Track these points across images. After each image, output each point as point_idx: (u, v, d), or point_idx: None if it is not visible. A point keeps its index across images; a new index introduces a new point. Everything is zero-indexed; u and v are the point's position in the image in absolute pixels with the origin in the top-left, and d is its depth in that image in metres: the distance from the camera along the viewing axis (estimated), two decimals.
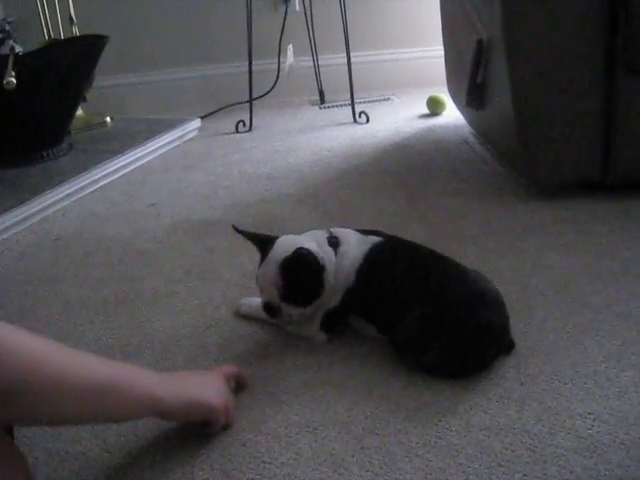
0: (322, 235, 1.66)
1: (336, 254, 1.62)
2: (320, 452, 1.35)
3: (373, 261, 1.62)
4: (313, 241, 1.62)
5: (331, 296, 1.62)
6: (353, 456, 1.34)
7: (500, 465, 1.28)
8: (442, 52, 3.23)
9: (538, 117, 2.24)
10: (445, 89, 3.29)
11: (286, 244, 1.60)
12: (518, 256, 2.03)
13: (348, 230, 1.70)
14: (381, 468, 1.30)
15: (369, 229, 1.72)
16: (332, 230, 1.69)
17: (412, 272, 1.60)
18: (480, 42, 2.48)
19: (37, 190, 2.79)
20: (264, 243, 1.65)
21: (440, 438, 1.36)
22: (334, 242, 1.64)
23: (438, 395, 1.48)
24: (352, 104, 3.53)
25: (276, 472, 1.31)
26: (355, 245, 1.64)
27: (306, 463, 1.33)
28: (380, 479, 1.27)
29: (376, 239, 1.66)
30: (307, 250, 1.54)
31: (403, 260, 1.64)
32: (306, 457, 1.34)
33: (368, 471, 1.30)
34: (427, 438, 1.36)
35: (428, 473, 1.27)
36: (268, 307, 1.62)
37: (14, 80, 2.84)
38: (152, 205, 2.72)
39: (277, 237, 1.65)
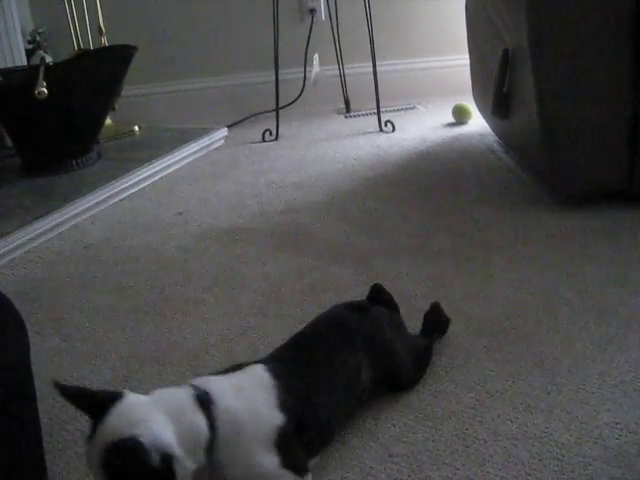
0: (187, 395, 1.21)
1: (212, 416, 1.19)
2: (348, 460, 1.37)
3: (288, 382, 1.31)
4: (164, 413, 1.16)
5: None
6: (381, 464, 1.35)
7: (528, 474, 1.28)
8: (468, 61, 3.24)
9: (564, 126, 2.24)
10: (471, 98, 3.29)
11: (118, 422, 1.13)
12: (544, 265, 2.03)
13: (211, 378, 1.31)
14: (409, 476, 1.31)
15: (220, 369, 1.38)
16: (194, 383, 1.26)
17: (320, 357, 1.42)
18: (506, 51, 2.48)
19: (67, 198, 2.83)
20: (94, 408, 1.16)
21: (467, 447, 1.37)
22: (204, 401, 1.21)
23: (465, 404, 1.49)
24: (378, 113, 3.54)
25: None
26: (235, 392, 1.26)
27: (334, 471, 1.34)
28: None
29: (257, 367, 1.34)
30: (139, 447, 1.09)
31: (305, 358, 1.41)
32: (334, 465, 1.35)
33: (396, 479, 1.31)
34: (454, 447, 1.37)
35: None
36: None
37: (45, 90, 2.89)
38: (180, 214, 2.74)
39: (116, 395, 1.17)
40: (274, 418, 1.24)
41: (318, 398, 1.34)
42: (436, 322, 1.72)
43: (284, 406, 1.26)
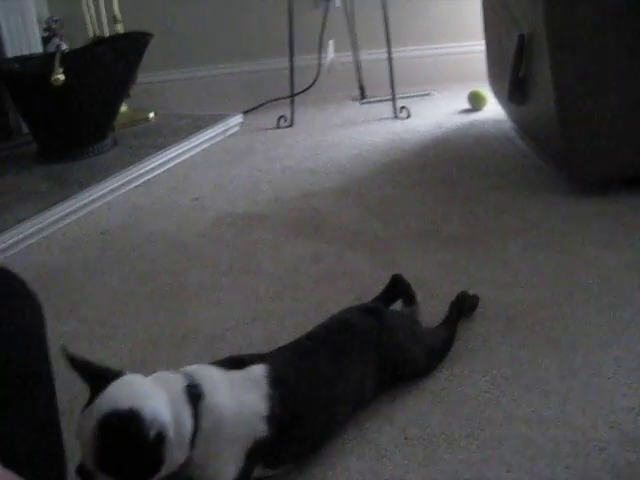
0: (178, 384, 1.20)
1: (198, 412, 1.18)
2: (363, 442, 1.38)
3: (284, 393, 1.28)
4: (161, 394, 1.16)
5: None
6: (396, 446, 1.36)
7: (543, 457, 1.29)
8: (483, 47, 3.23)
9: (581, 112, 2.23)
10: (486, 84, 3.28)
11: (119, 393, 1.14)
12: (560, 251, 2.03)
13: (208, 369, 1.29)
14: (424, 459, 1.32)
15: (225, 359, 1.37)
16: (189, 371, 1.25)
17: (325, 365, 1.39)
18: (522, 37, 2.47)
19: (83, 185, 2.85)
20: (96, 380, 1.17)
21: (482, 430, 1.37)
22: (194, 394, 1.20)
23: (480, 388, 1.49)
24: (393, 99, 3.53)
25: (321, 462, 1.34)
26: (228, 391, 1.24)
27: (350, 453, 1.35)
28: (423, 469, 1.30)
29: (258, 369, 1.30)
30: (133, 417, 1.09)
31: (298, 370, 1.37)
32: (350, 447, 1.37)
33: (412, 461, 1.32)
34: (469, 430, 1.38)
35: (471, 464, 1.29)
36: (81, 470, 1.14)
37: (61, 77, 2.90)
38: (196, 199, 2.75)
39: (119, 373, 1.19)
40: (257, 429, 1.23)
41: (312, 413, 1.33)
42: (461, 310, 1.72)
43: (271, 419, 1.24)
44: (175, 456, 1.14)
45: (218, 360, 1.34)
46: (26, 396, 1.17)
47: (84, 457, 1.12)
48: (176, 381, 1.21)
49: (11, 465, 0.97)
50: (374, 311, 1.54)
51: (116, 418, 1.09)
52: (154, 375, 1.23)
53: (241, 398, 1.23)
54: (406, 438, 1.38)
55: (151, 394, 1.15)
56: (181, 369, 1.26)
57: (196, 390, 1.20)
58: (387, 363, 1.46)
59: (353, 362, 1.41)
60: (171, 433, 1.12)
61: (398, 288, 1.75)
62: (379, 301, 1.74)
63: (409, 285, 1.75)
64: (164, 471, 1.14)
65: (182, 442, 1.15)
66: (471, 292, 1.77)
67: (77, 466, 1.14)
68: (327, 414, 1.35)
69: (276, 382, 1.28)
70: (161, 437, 1.11)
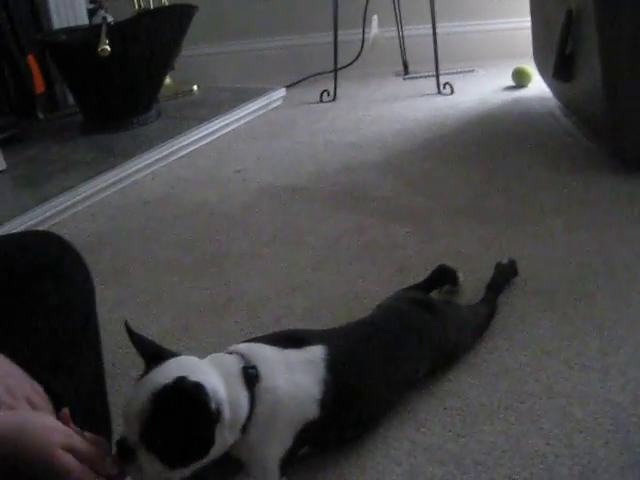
0: (235, 365, 1.18)
1: (254, 394, 1.16)
2: (403, 411, 1.39)
3: (337, 381, 1.26)
4: (219, 375, 1.14)
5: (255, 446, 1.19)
6: (435, 416, 1.37)
7: (581, 432, 1.29)
8: (529, 23, 3.19)
9: (629, 89, 2.20)
10: (531, 61, 3.24)
11: (177, 368, 1.11)
12: (602, 229, 2.01)
13: (265, 351, 1.25)
14: (463, 429, 1.33)
15: (282, 333, 1.37)
16: (245, 352, 1.22)
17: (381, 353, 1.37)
18: (569, 12, 2.44)
19: (127, 155, 2.89)
20: (153, 356, 1.14)
21: (522, 402, 1.38)
22: (251, 376, 1.17)
23: (520, 362, 1.50)
24: (437, 75, 3.51)
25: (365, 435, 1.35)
26: (286, 374, 1.22)
27: (389, 421, 1.37)
28: (462, 439, 1.31)
29: (317, 351, 1.28)
30: (198, 386, 1.06)
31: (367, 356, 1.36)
32: (390, 416, 1.38)
33: (450, 431, 1.33)
34: (509, 402, 1.38)
35: (509, 436, 1.30)
36: (121, 444, 1.07)
37: (108, 48, 2.93)
38: (238, 171, 2.77)
39: (175, 354, 1.16)
40: (308, 412, 1.22)
41: (364, 400, 1.32)
42: (500, 283, 1.73)
43: (324, 402, 1.23)
44: (225, 439, 1.12)
45: (274, 333, 1.34)
46: (78, 354, 1.21)
47: (128, 431, 1.06)
48: (232, 363, 1.18)
49: None
50: (427, 304, 1.53)
51: (178, 388, 1.05)
52: (209, 357, 1.20)
53: (297, 380, 1.22)
54: (445, 409, 1.39)
55: (208, 372, 1.12)
56: (234, 347, 1.25)
57: (253, 372, 1.18)
58: (438, 355, 1.46)
59: (408, 353, 1.40)
60: (227, 414, 1.10)
61: (443, 276, 1.76)
62: (422, 286, 1.73)
63: (454, 272, 1.75)
64: (211, 455, 1.11)
65: (235, 425, 1.13)
66: (504, 260, 1.78)
67: (117, 440, 1.08)
68: (378, 402, 1.35)
69: (333, 366, 1.26)
70: (219, 414, 1.08)
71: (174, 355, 1.15)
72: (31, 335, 1.17)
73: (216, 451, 1.11)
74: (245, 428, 1.15)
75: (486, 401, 1.39)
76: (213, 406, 1.06)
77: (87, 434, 0.99)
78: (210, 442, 1.08)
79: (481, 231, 2.06)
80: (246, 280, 1.94)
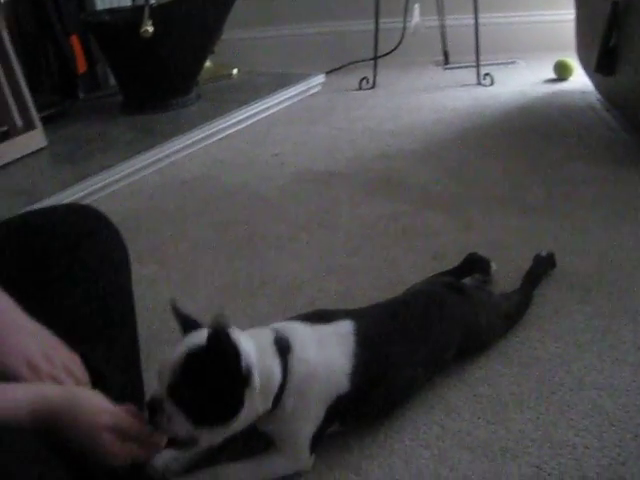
0: (267, 336, 1.21)
1: (287, 364, 1.19)
2: (433, 396, 1.40)
3: (366, 356, 1.27)
4: (253, 344, 1.16)
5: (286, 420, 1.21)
6: (465, 403, 1.38)
7: (612, 424, 1.29)
8: (573, 16, 3.16)
9: None
10: (573, 54, 3.21)
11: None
12: None
13: (296, 326, 1.28)
14: (492, 416, 1.34)
15: (312, 312, 1.37)
16: (278, 327, 1.25)
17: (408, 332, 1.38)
18: (615, 4, 2.41)
19: (166, 136, 2.92)
20: (191, 328, 1.18)
21: (553, 393, 1.38)
22: (283, 347, 1.20)
23: (552, 352, 1.49)
24: (477, 66, 3.49)
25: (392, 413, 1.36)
26: (316, 347, 1.24)
27: (420, 406, 1.38)
28: (491, 426, 1.31)
29: (345, 325, 1.29)
30: (233, 344, 1.09)
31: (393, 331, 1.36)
32: (420, 401, 1.39)
33: (479, 418, 1.34)
34: (539, 392, 1.38)
35: (538, 425, 1.30)
36: (151, 400, 1.11)
37: (150, 29, 2.95)
38: (276, 155, 2.79)
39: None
40: (339, 386, 1.23)
41: (393, 376, 1.32)
42: (538, 275, 1.73)
43: (354, 377, 1.24)
44: (256, 406, 1.14)
45: (304, 313, 1.35)
46: (114, 326, 1.23)
47: (159, 386, 1.10)
48: (265, 334, 1.21)
49: None
50: (460, 289, 1.53)
51: (210, 345, 1.07)
52: (245, 331, 1.21)
53: (328, 354, 1.23)
54: (475, 395, 1.39)
55: (241, 338, 1.14)
56: (266, 326, 1.26)
57: (285, 343, 1.20)
58: (469, 339, 1.46)
59: (438, 334, 1.40)
60: (257, 379, 1.12)
61: (475, 265, 1.76)
62: (453, 273, 1.73)
63: (487, 261, 1.76)
64: (241, 421, 1.13)
65: (267, 394, 1.15)
66: (543, 253, 1.78)
67: (148, 399, 1.13)
68: (408, 378, 1.36)
69: (362, 340, 1.27)
70: (249, 376, 1.10)
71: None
72: (68, 306, 1.19)
73: (245, 419, 1.13)
74: (278, 399, 1.17)
75: (516, 390, 1.40)
76: (243, 367, 1.09)
77: (131, 407, 1.02)
78: (238, 404, 1.11)
79: (517, 222, 2.06)
80: (281, 262, 1.96)
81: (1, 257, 1.21)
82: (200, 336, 1.10)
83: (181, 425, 1.08)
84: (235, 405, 1.11)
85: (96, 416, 0.95)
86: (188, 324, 1.18)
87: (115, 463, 0.97)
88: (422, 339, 1.37)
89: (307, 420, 1.21)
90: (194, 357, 1.08)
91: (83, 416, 0.95)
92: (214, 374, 1.08)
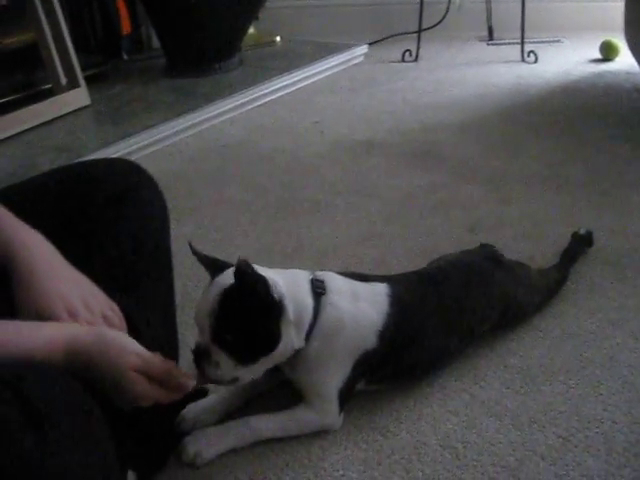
0: (304, 276, 1.25)
1: (319, 305, 1.21)
2: (463, 365, 1.41)
3: (399, 318, 1.28)
4: (283, 278, 1.19)
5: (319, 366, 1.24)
6: (495, 372, 1.39)
7: None
8: None
9: None
10: (620, 35, 3.17)
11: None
12: None
13: (335, 276, 1.30)
14: (521, 387, 1.35)
15: (351, 272, 1.37)
16: (317, 272, 1.28)
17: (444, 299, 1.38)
18: None
19: (208, 99, 2.94)
20: (218, 269, 1.20)
21: (583, 368, 1.38)
22: (319, 287, 1.23)
23: (585, 328, 1.50)
24: (522, 42, 3.45)
25: (419, 377, 1.38)
26: (350, 298, 1.25)
27: (449, 373, 1.39)
28: (519, 397, 1.32)
29: (381, 287, 1.31)
30: (260, 275, 1.12)
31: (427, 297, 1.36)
32: (450, 369, 1.40)
33: (508, 388, 1.34)
34: (570, 366, 1.39)
35: (567, 398, 1.31)
36: (196, 348, 1.17)
37: None
38: (316, 123, 2.79)
39: None
40: (369, 341, 1.25)
41: (425, 339, 1.33)
42: (576, 252, 1.72)
43: (384, 335, 1.25)
44: (291, 339, 1.17)
45: (342, 271, 1.35)
46: (152, 278, 1.25)
47: (200, 334, 1.16)
48: (302, 274, 1.25)
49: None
50: (500, 262, 1.52)
51: (240, 282, 1.10)
52: (281, 270, 1.25)
53: (360, 307, 1.25)
54: (505, 366, 1.40)
55: (269, 271, 1.18)
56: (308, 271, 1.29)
57: (320, 285, 1.23)
58: (506, 312, 1.46)
59: (474, 302, 1.40)
60: (290, 312, 1.16)
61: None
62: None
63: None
64: (279, 354, 1.17)
65: (300, 327, 1.18)
66: (582, 231, 1.77)
67: (193, 348, 1.17)
68: (440, 344, 1.36)
69: (396, 302, 1.29)
70: (281, 305, 1.14)
71: None
72: (109, 257, 1.21)
73: (282, 353, 1.17)
74: (308, 337, 1.20)
75: (547, 363, 1.40)
76: (276, 296, 1.13)
77: (159, 355, 1.03)
78: (276, 335, 1.15)
79: (556, 199, 2.05)
80: (317, 227, 1.97)
81: (46, 206, 1.23)
82: (227, 277, 1.14)
83: (228, 368, 1.14)
84: (274, 336, 1.15)
85: (124, 356, 0.97)
86: (212, 264, 1.22)
87: (141, 404, 0.98)
88: (460, 310, 1.38)
89: (332, 369, 1.24)
90: (227, 297, 1.12)
91: (111, 355, 0.96)
92: (249, 308, 1.12)
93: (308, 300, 1.20)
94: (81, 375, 0.91)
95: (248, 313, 1.12)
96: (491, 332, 1.47)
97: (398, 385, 1.36)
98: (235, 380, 1.17)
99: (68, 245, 1.13)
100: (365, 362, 1.25)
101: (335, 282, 1.26)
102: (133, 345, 1.00)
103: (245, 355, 1.15)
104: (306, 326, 1.19)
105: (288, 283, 1.18)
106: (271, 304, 1.13)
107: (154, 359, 1.00)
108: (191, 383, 1.04)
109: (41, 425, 0.76)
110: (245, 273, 1.09)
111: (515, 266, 1.55)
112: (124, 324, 1.10)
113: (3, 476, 0.71)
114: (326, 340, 1.22)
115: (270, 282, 1.13)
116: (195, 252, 1.22)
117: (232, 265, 1.19)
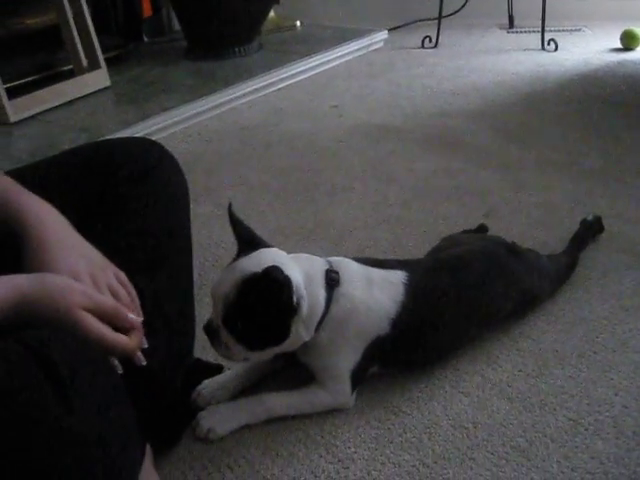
0: (320, 266, 1.26)
1: (332, 298, 1.23)
2: (476, 348, 1.42)
3: (414, 305, 1.28)
4: (303, 272, 1.21)
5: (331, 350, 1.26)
6: (508, 355, 1.40)
7: None
8: None
9: None
10: None
11: (267, 258, 1.18)
12: None
13: (351, 263, 1.31)
14: (533, 370, 1.36)
15: (369, 258, 1.38)
16: (332, 261, 1.29)
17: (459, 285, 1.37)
18: None
19: (227, 82, 2.96)
20: (247, 243, 1.24)
21: (595, 353, 1.39)
22: (333, 279, 1.24)
23: (597, 314, 1.51)
24: (542, 31, 3.44)
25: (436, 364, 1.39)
26: (364, 286, 1.27)
27: (462, 355, 1.40)
28: (531, 380, 1.34)
29: (398, 274, 1.31)
30: (286, 278, 1.13)
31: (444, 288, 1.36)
32: (463, 351, 1.41)
33: (520, 371, 1.36)
34: (582, 351, 1.40)
35: (579, 382, 1.32)
36: (207, 326, 1.22)
37: None
38: (335, 107, 2.80)
39: (268, 245, 1.26)
40: (381, 327, 1.26)
41: (439, 327, 1.34)
42: (584, 238, 1.73)
43: (397, 322, 1.26)
44: (300, 334, 1.19)
45: (359, 257, 1.37)
46: (172, 257, 1.26)
47: (213, 311, 1.19)
48: (319, 264, 1.26)
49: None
50: (515, 251, 1.51)
51: (266, 276, 1.11)
52: (298, 254, 1.28)
53: (374, 295, 1.26)
54: (518, 350, 1.42)
55: (295, 268, 1.19)
56: (324, 258, 1.30)
57: (335, 276, 1.24)
58: (522, 300, 1.47)
59: (493, 293, 1.41)
60: (304, 309, 1.17)
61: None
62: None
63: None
64: (287, 345, 1.20)
65: (310, 322, 1.20)
66: (590, 217, 1.77)
67: (205, 324, 1.21)
68: (453, 334, 1.37)
69: (412, 291, 1.29)
70: (298, 307, 1.16)
71: (267, 246, 1.24)
72: (129, 234, 1.22)
73: (291, 343, 1.20)
74: (317, 328, 1.22)
75: (559, 347, 1.41)
76: (295, 300, 1.15)
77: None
78: (286, 333, 1.18)
79: (572, 186, 2.05)
80: (334, 210, 1.99)
81: (67, 185, 1.24)
82: (254, 262, 1.16)
83: (237, 350, 1.19)
84: (283, 333, 1.18)
85: (69, 295, 0.93)
86: (245, 237, 1.25)
87: (104, 348, 0.93)
88: (479, 299, 1.39)
89: (343, 354, 1.26)
90: (247, 286, 1.14)
91: (55, 296, 0.92)
92: (266, 307, 1.14)
93: (321, 295, 1.22)
94: (33, 324, 0.89)
95: (264, 309, 1.14)
96: (504, 318, 1.48)
97: (412, 370, 1.37)
98: (245, 360, 1.23)
99: (90, 222, 1.15)
100: (377, 347, 1.27)
101: (350, 271, 1.28)
102: (75, 284, 0.96)
103: (253, 343, 1.19)
104: (317, 319, 1.21)
105: (304, 277, 1.20)
106: (289, 307, 1.16)
107: (99, 295, 0.98)
108: (139, 319, 1.00)
109: (66, 392, 0.77)
110: (275, 280, 1.11)
111: (528, 254, 1.56)
112: (133, 292, 1.09)
113: (34, 444, 0.73)
114: (337, 328, 1.24)
115: (294, 285, 1.15)
116: (232, 218, 1.25)
117: (265, 244, 1.25)
